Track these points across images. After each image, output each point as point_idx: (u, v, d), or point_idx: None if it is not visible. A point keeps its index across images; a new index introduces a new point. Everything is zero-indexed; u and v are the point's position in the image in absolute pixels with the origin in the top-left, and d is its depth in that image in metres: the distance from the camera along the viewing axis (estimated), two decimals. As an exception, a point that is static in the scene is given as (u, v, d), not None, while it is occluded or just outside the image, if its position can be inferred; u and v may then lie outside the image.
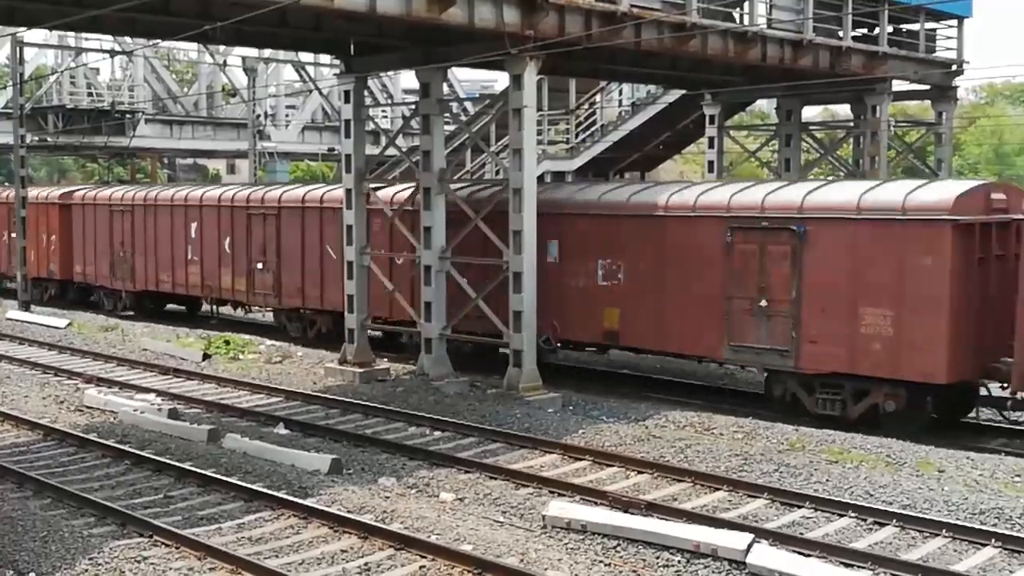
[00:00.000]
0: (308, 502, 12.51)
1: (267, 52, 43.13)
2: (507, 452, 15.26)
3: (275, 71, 48.60)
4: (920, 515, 12.08)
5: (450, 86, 41.46)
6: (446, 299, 20.53)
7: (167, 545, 11.20)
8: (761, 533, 11.41)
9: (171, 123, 46.00)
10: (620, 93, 34.27)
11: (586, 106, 33.78)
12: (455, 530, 11.71)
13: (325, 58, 43.24)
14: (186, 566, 10.67)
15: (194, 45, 45.14)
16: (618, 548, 11.21)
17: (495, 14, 17.82)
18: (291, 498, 12.65)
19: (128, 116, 42.94)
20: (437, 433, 16.49)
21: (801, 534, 11.61)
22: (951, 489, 13.16)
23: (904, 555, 11.05)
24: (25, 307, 32.33)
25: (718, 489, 13.31)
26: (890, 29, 25.02)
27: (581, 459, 14.83)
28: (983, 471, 14.05)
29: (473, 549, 10.99)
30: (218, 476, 13.62)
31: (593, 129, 33.35)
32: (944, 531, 11.60)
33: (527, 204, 18.79)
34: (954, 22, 26.59)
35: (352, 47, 21.04)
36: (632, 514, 12.10)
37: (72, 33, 41.60)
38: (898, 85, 26.98)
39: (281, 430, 16.75)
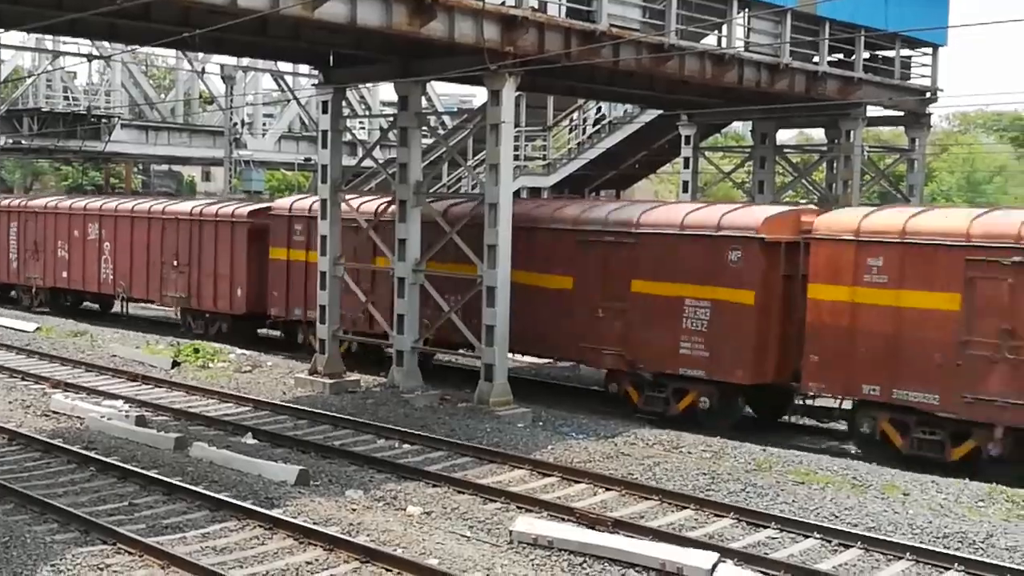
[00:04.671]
0: (274, 513, 12.43)
1: (246, 61, 43.05)
2: (476, 466, 15.24)
3: (253, 79, 48.44)
4: (885, 537, 12.15)
5: (429, 99, 41.38)
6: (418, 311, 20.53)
7: (130, 553, 11.11)
8: (727, 552, 11.44)
9: (147, 129, 45.75)
10: (598, 111, 34.40)
11: (566, 123, 33.89)
12: (421, 544, 11.68)
13: (304, 68, 43.21)
14: (149, 574, 10.60)
15: (172, 51, 44.95)
16: (584, 565, 11.21)
17: (475, 30, 17.87)
18: (257, 508, 12.57)
19: (104, 121, 42.71)
20: (406, 446, 16.45)
21: (766, 554, 11.65)
22: (915, 512, 13.27)
23: (868, 577, 11.12)
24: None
25: (685, 507, 13.35)
26: (866, 55, 25.27)
27: (550, 475, 14.83)
28: (947, 495, 14.16)
29: (439, 563, 10.98)
30: (184, 484, 13.53)
31: (570, 147, 33.47)
32: (908, 554, 11.68)
33: (503, 219, 18.83)
34: (929, 50, 26.88)
35: (331, 58, 21.06)
36: (599, 531, 12.13)
37: (50, 36, 41.36)
38: (872, 111, 27.21)
39: (249, 440, 16.65)
